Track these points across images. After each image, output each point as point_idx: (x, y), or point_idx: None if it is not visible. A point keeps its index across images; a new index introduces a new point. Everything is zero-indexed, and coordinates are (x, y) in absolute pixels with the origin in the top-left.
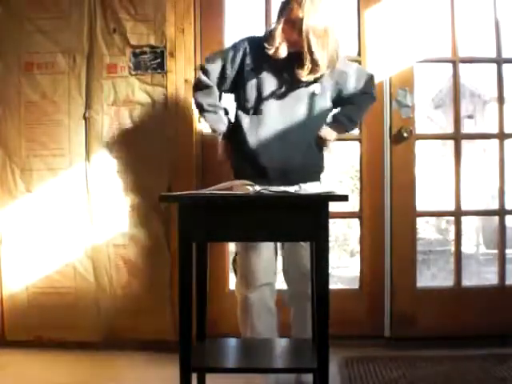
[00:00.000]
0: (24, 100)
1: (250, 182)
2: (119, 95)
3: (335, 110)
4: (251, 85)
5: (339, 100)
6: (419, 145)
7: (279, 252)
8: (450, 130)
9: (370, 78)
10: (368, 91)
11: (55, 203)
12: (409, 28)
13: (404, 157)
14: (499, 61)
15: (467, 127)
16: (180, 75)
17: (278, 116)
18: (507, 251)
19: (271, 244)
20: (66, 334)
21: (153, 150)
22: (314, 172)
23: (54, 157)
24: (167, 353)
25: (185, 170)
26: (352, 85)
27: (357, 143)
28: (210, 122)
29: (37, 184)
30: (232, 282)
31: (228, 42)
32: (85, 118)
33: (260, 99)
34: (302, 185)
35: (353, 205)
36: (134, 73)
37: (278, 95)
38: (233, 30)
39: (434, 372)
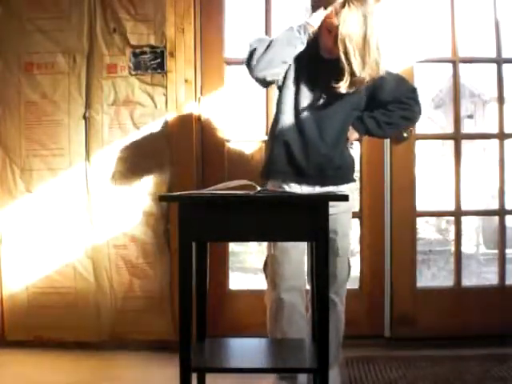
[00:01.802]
0: (24, 100)
1: (250, 182)
2: (119, 95)
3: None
4: (291, 82)
5: (372, 103)
6: (419, 145)
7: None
8: (449, 130)
9: (412, 91)
10: (406, 102)
11: (55, 203)
12: (409, 28)
13: (404, 157)
14: (499, 61)
15: (467, 127)
16: (180, 75)
17: (315, 116)
18: (507, 251)
19: (302, 246)
20: (65, 334)
21: (153, 150)
22: (348, 173)
23: (54, 157)
24: (167, 353)
25: (185, 170)
26: (388, 91)
27: (357, 143)
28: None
29: (37, 184)
30: (232, 281)
31: (228, 42)
32: (85, 117)
33: (298, 98)
34: (337, 186)
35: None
36: (134, 73)
37: (316, 95)
38: (233, 29)
39: (433, 372)
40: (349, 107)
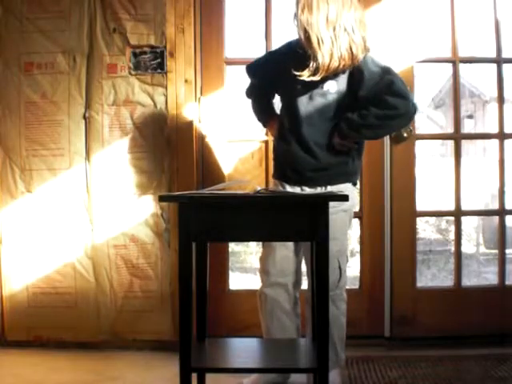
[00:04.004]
0: (24, 100)
1: (250, 182)
2: (119, 95)
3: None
4: (287, 83)
5: (355, 103)
6: (419, 145)
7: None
8: (450, 130)
9: (390, 83)
10: (382, 98)
11: (55, 203)
12: (409, 28)
13: (404, 157)
14: (499, 61)
15: (467, 127)
16: (180, 75)
17: (299, 119)
18: (507, 251)
19: (289, 244)
20: (66, 334)
21: (153, 150)
22: (341, 173)
23: (54, 157)
24: (167, 353)
25: (185, 170)
26: (366, 87)
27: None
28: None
29: (37, 184)
30: (232, 281)
31: (228, 42)
32: (85, 117)
33: (290, 99)
34: (330, 187)
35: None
36: (133, 73)
37: (302, 95)
38: (233, 29)
39: (434, 372)
40: (330, 111)
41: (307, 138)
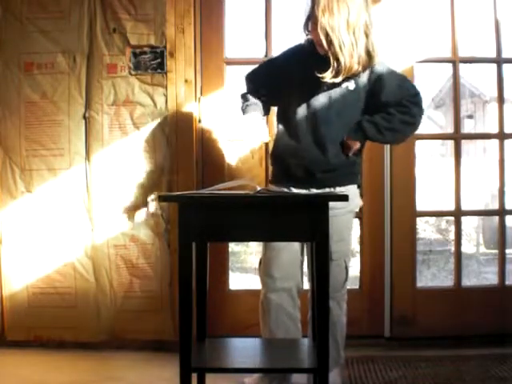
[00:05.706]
0: (24, 100)
1: (250, 182)
2: (119, 95)
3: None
4: (291, 85)
5: (373, 105)
6: (419, 145)
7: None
8: (450, 130)
9: (414, 95)
10: (406, 105)
11: (55, 203)
12: (409, 28)
13: (404, 157)
14: (499, 61)
15: (467, 127)
16: (180, 75)
17: (312, 119)
18: (507, 251)
19: (294, 247)
20: (66, 334)
21: (153, 150)
22: (348, 174)
23: (54, 157)
24: (167, 353)
25: (185, 170)
26: (389, 92)
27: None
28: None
29: (37, 184)
30: (232, 281)
31: (228, 42)
32: (85, 117)
33: (296, 101)
34: (339, 188)
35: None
36: (133, 73)
37: (311, 94)
38: (233, 29)
39: (433, 372)
40: (347, 110)
41: (324, 136)
